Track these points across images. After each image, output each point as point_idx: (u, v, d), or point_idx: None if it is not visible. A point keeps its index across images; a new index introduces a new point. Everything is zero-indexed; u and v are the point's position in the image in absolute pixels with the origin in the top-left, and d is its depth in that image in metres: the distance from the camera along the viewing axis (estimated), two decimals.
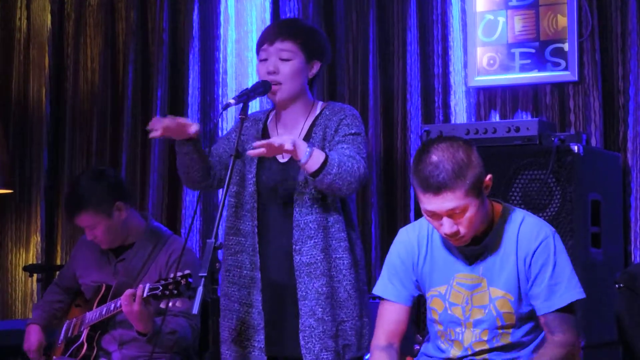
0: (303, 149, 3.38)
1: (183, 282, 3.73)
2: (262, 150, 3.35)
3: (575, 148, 4.27)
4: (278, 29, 3.68)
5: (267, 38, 3.65)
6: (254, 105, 5.12)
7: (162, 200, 5.77)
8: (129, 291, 3.92)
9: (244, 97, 3.48)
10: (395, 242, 3.40)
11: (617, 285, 3.88)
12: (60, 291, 4.61)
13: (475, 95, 5.16)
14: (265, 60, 3.63)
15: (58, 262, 6.12)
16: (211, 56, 5.77)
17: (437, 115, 5.22)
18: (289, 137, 3.39)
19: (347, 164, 3.43)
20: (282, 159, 3.64)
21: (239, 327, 3.61)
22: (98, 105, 6.06)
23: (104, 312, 4.20)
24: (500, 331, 3.22)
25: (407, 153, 5.24)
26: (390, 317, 3.34)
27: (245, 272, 3.62)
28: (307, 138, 3.59)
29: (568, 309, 3.17)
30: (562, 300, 3.16)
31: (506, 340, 3.23)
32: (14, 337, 4.97)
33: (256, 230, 3.60)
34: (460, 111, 5.18)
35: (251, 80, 5.57)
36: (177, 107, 5.76)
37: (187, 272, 3.75)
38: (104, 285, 4.35)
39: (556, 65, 4.95)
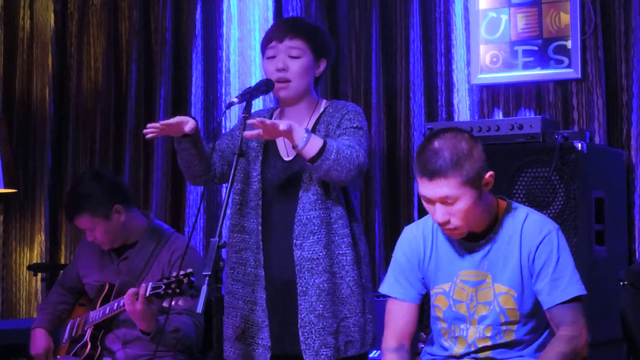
0: (300, 134, 3.37)
1: (185, 280, 3.74)
2: (257, 131, 3.34)
3: (579, 145, 4.27)
4: (287, 27, 3.67)
5: (275, 35, 3.65)
6: (257, 104, 5.13)
7: (166, 199, 5.78)
8: (131, 290, 3.91)
9: (247, 95, 3.48)
10: (400, 240, 3.40)
11: (621, 283, 3.88)
12: (64, 292, 4.61)
13: (479, 93, 5.16)
14: (273, 57, 3.62)
15: (62, 261, 6.12)
16: (214, 55, 5.77)
17: (440, 113, 5.22)
18: (286, 121, 3.39)
19: (346, 151, 3.43)
20: (287, 157, 3.64)
21: (243, 325, 3.61)
22: (101, 104, 6.06)
23: (107, 311, 4.21)
24: (504, 328, 3.22)
25: (410, 151, 5.24)
26: (399, 317, 3.33)
27: (249, 269, 3.62)
28: None
29: (573, 303, 3.17)
30: (564, 295, 3.16)
31: (509, 337, 3.23)
32: (19, 336, 4.98)
33: (260, 227, 3.60)
34: (463, 109, 5.18)
35: (254, 78, 5.57)
36: (180, 105, 5.77)
37: (189, 270, 3.75)
38: (107, 285, 4.35)
39: (559, 62, 4.94)
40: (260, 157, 3.66)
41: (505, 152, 4.36)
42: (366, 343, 3.60)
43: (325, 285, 3.52)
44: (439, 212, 3.14)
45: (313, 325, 3.52)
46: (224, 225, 3.27)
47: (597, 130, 4.84)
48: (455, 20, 5.21)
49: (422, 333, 4.25)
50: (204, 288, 3.12)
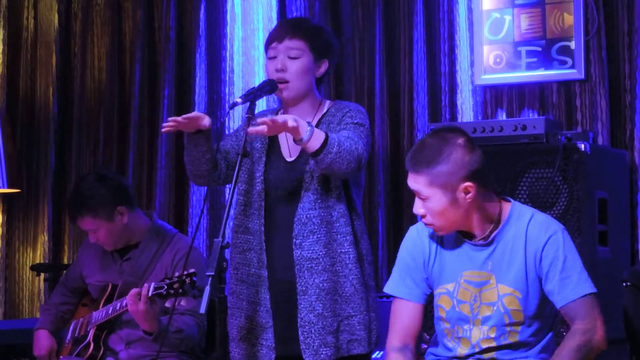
0: (304, 127, 3.38)
1: (188, 281, 3.74)
2: (263, 127, 3.34)
3: (582, 146, 4.26)
4: (287, 27, 3.68)
5: (276, 36, 3.66)
6: (261, 105, 5.12)
7: (169, 199, 5.78)
8: (134, 290, 3.92)
9: (251, 96, 3.49)
10: (405, 240, 3.41)
11: (624, 284, 3.88)
12: (67, 292, 4.61)
13: (482, 93, 5.16)
14: (274, 58, 3.64)
15: (65, 261, 6.12)
16: (218, 55, 5.77)
17: (444, 113, 5.21)
18: (290, 115, 3.40)
19: (346, 143, 3.44)
20: (289, 157, 3.65)
21: (248, 326, 3.62)
22: (105, 104, 6.06)
23: (109, 312, 4.21)
24: (509, 329, 3.22)
25: None
26: (404, 316, 3.33)
27: (253, 270, 3.62)
28: None
29: (586, 297, 3.17)
30: (574, 293, 3.17)
31: (514, 338, 3.23)
32: (22, 336, 4.98)
33: (263, 228, 3.61)
34: (466, 109, 5.18)
35: (258, 78, 5.57)
36: (183, 105, 5.77)
37: (191, 270, 3.75)
38: (110, 285, 4.35)
39: (563, 63, 4.94)
40: (264, 158, 3.67)
41: (508, 152, 4.36)
42: (372, 342, 3.61)
43: (325, 284, 3.53)
44: (416, 205, 3.24)
45: (312, 325, 3.52)
46: (227, 225, 3.27)
47: (600, 130, 4.83)
48: (458, 20, 5.20)
49: (425, 334, 4.25)
50: (207, 288, 3.12)
